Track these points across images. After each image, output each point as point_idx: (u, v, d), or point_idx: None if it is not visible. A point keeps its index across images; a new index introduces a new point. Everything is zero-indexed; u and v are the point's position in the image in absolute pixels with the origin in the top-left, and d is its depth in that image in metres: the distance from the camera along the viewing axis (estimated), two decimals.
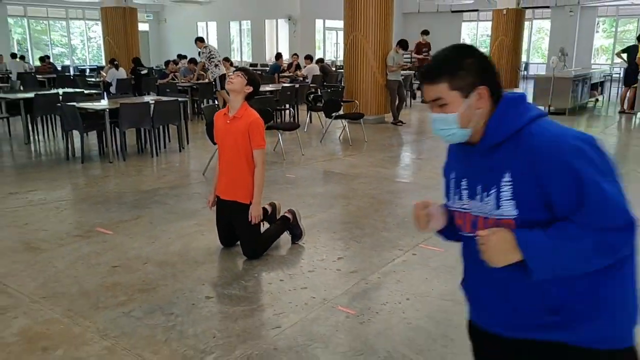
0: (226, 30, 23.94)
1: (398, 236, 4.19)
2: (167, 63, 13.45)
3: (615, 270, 1.29)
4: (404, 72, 11.62)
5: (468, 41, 25.56)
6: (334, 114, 8.30)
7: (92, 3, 18.21)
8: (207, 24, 24.26)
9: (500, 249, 1.27)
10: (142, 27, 25.14)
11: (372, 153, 7.55)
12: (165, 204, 5.09)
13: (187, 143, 7.99)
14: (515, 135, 1.31)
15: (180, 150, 7.65)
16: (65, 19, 23.06)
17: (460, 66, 1.33)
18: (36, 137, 8.72)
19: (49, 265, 3.67)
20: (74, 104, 7.13)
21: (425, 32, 13.91)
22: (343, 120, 8.50)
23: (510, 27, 16.11)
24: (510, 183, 1.30)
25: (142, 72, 12.69)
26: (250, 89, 3.65)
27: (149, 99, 8.11)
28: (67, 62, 22.01)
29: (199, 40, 11.06)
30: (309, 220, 4.42)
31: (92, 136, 7.61)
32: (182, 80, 11.66)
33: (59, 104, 7.33)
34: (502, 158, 1.32)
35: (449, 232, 1.57)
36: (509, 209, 1.30)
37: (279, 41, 22.25)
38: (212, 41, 23.63)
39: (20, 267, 3.65)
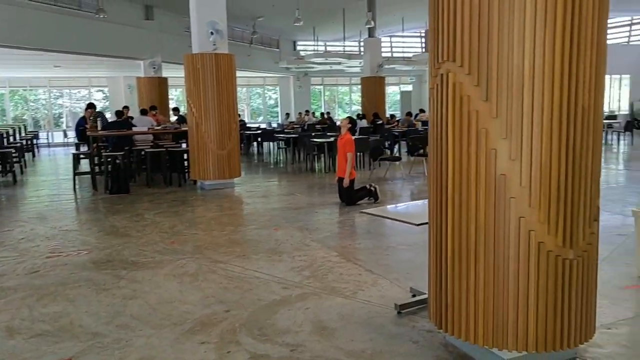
0: None
1: None
2: (391, 116, 18.38)
3: None
4: None
5: None
6: None
7: (358, 73, 24.53)
8: None
9: None
10: (407, 87, 31.06)
11: None
12: (323, 189, 9.68)
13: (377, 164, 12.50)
14: None
15: (370, 169, 12.20)
16: (349, 85, 30.51)
17: None
18: (295, 159, 14.50)
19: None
20: (312, 139, 12.39)
21: None
22: None
23: None
24: None
25: (378, 122, 17.78)
26: (350, 125, 8.02)
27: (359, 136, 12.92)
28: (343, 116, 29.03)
29: None
30: (385, 198, 8.46)
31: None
32: (399, 127, 16.29)
33: (305, 139, 12.77)
34: None
35: None
36: None
37: None
38: None
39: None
